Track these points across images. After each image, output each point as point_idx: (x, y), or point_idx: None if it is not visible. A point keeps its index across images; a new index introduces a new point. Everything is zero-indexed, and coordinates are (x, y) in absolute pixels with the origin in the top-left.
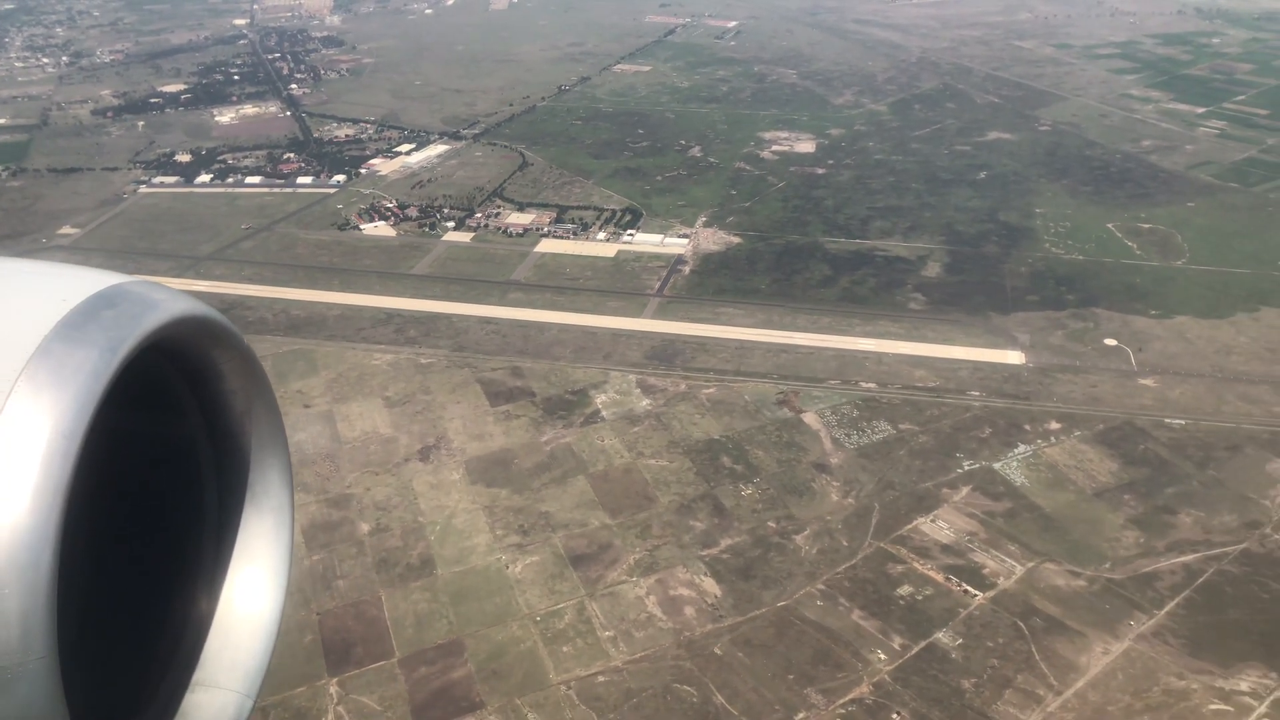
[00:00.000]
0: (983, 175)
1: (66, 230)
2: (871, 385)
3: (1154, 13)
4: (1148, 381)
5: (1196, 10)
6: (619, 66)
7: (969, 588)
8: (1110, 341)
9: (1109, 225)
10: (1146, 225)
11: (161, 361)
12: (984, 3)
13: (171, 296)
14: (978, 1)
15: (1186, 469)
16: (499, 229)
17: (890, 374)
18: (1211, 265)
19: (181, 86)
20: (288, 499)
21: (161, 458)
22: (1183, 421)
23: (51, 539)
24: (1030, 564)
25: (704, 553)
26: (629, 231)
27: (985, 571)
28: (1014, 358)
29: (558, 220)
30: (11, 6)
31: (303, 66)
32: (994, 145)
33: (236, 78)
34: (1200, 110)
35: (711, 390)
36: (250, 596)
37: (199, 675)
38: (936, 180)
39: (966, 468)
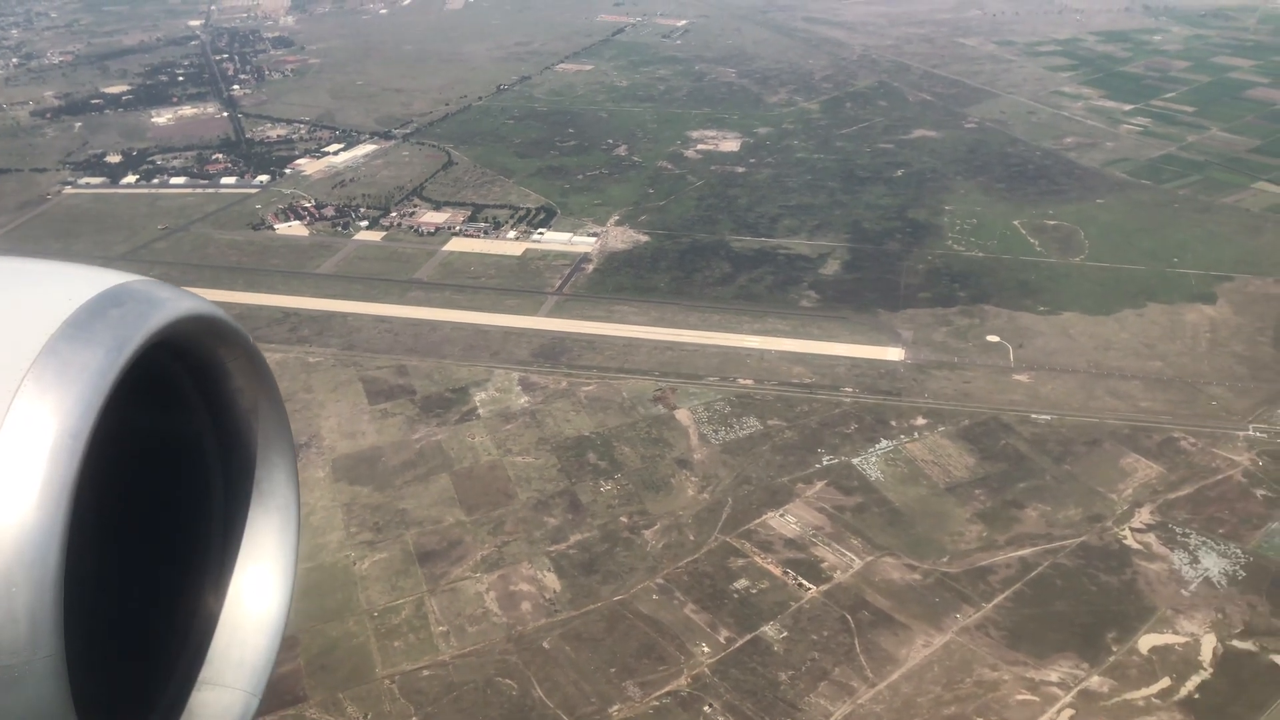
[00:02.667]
0: (900, 173)
1: None
2: (749, 382)
3: (1102, 10)
4: (1022, 377)
5: (1144, 7)
6: (561, 66)
7: (804, 581)
8: (992, 338)
9: (1015, 222)
10: (1052, 222)
11: (168, 360)
12: (936, 0)
13: (177, 295)
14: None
15: (1043, 463)
16: (411, 228)
17: (769, 370)
18: (1108, 262)
19: (125, 88)
20: (294, 497)
21: (168, 455)
22: (1048, 417)
23: (58, 537)
24: (870, 558)
25: (552, 548)
26: (539, 230)
27: (824, 565)
28: (893, 354)
29: (471, 219)
30: None
31: (248, 67)
32: (917, 143)
33: (181, 78)
34: (1127, 107)
35: (591, 387)
36: (257, 595)
37: (205, 673)
38: (853, 178)
39: (825, 463)
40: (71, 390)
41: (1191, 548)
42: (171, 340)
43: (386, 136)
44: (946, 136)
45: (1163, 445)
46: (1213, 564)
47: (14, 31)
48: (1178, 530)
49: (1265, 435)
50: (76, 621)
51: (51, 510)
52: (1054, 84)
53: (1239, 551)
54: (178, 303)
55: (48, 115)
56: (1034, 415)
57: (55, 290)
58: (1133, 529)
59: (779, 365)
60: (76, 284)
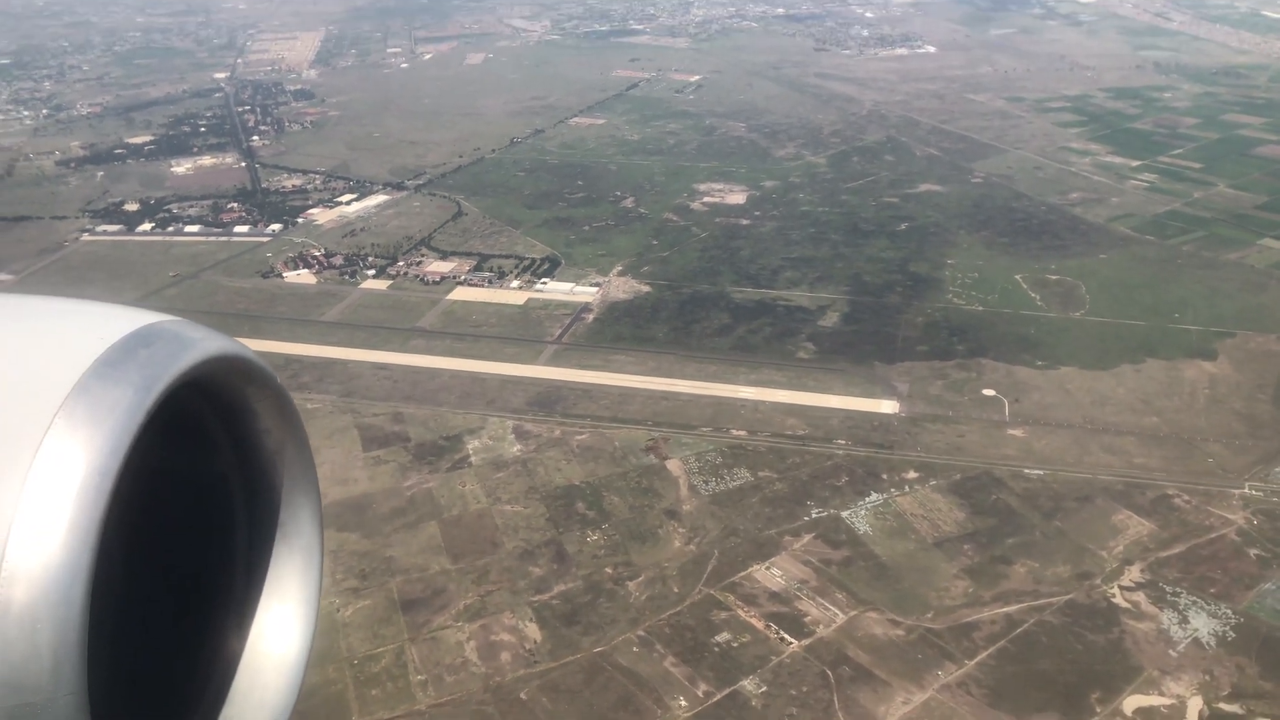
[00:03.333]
0: (904, 227)
1: (1, 277)
2: (742, 433)
3: (1113, 68)
4: (1016, 432)
5: (1155, 65)
6: (575, 120)
7: (786, 635)
8: (988, 392)
9: (1016, 276)
10: (1054, 277)
11: (195, 399)
12: (948, 57)
13: (207, 335)
14: (942, 56)
15: (1033, 519)
16: (417, 277)
17: (762, 421)
18: (1109, 317)
19: (148, 138)
20: (317, 538)
21: (193, 494)
22: (1041, 472)
23: (84, 575)
24: (853, 613)
25: (535, 598)
26: (542, 280)
27: (807, 620)
28: (888, 407)
29: (476, 269)
30: (6, 62)
31: (269, 119)
32: (922, 197)
33: (203, 129)
34: (1135, 163)
35: (585, 436)
36: (279, 635)
37: (227, 713)
38: (856, 231)
39: (814, 515)
40: (102, 428)
41: (1181, 607)
42: (200, 380)
43: (399, 187)
44: (952, 191)
45: (1156, 502)
46: (1202, 624)
47: (47, 84)
48: (1168, 589)
49: (1261, 494)
50: (99, 660)
51: (78, 548)
52: (1062, 140)
53: (1229, 612)
54: (207, 343)
55: (72, 164)
56: (1027, 470)
57: (88, 329)
58: (1122, 587)
59: (773, 416)
60: (109, 323)
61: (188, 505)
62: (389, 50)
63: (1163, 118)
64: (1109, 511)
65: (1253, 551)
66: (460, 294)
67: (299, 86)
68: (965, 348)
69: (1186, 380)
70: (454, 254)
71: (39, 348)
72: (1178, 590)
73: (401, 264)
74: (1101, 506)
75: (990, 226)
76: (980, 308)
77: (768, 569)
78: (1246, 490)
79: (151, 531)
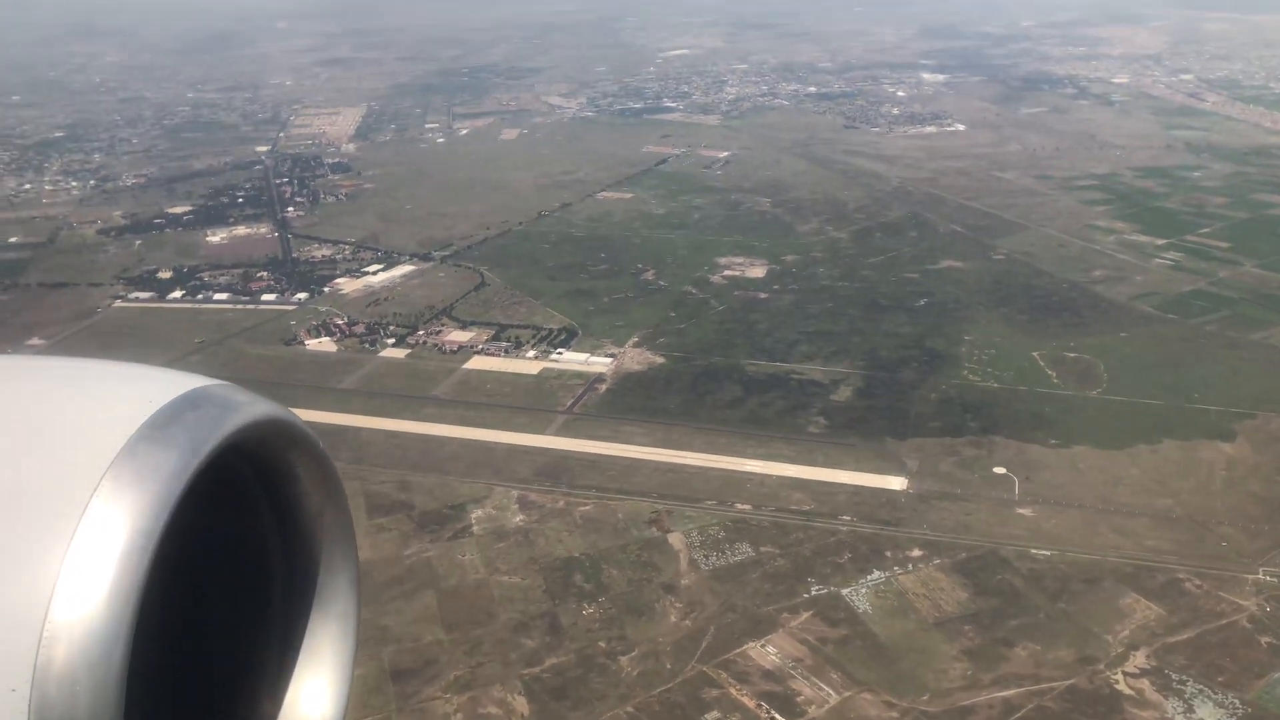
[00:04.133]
0: (923, 302)
1: (34, 341)
2: (746, 507)
3: (1143, 147)
4: (1025, 511)
5: (1186, 145)
6: (603, 194)
7: (777, 716)
8: (999, 470)
9: (1034, 354)
10: (1072, 354)
11: (238, 461)
12: (977, 134)
13: (252, 399)
14: (971, 133)
15: (1038, 601)
16: (435, 346)
17: (768, 496)
18: (1126, 396)
19: (187, 208)
20: (354, 605)
21: (231, 557)
22: (1048, 553)
23: (124, 637)
24: (847, 693)
25: (526, 671)
26: (558, 350)
27: (799, 700)
28: (896, 483)
29: (494, 338)
30: (61, 135)
31: (305, 190)
32: (943, 273)
33: (240, 200)
34: (1160, 242)
35: (588, 508)
36: (313, 703)
37: None
38: (875, 306)
39: (814, 593)
40: (147, 491)
41: (1187, 695)
42: (244, 443)
43: (426, 258)
44: (973, 267)
45: (1166, 586)
46: (1208, 713)
47: (96, 156)
48: (1174, 676)
49: (1275, 579)
50: None
51: (119, 610)
52: (1088, 218)
53: (1237, 701)
54: (253, 407)
55: (112, 233)
56: (1034, 550)
57: (136, 392)
58: (1126, 673)
59: (779, 491)
60: (157, 387)
61: (226, 568)
62: (427, 125)
63: (1191, 196)
64: (1117, 595)
65: (1264, 639)
66: (476, 363)
67: (337, 160)
68: (978, 425)
69: (1203, 461)
70: (473, 324)
71: (90, 410)
72: (1184, 678)
73: (421, 333)
74: (1109, 589)
75: (1010, 303)
76: (995, 385)
77: (763, 646)
78: (1260, 576)
79: (190, 594)
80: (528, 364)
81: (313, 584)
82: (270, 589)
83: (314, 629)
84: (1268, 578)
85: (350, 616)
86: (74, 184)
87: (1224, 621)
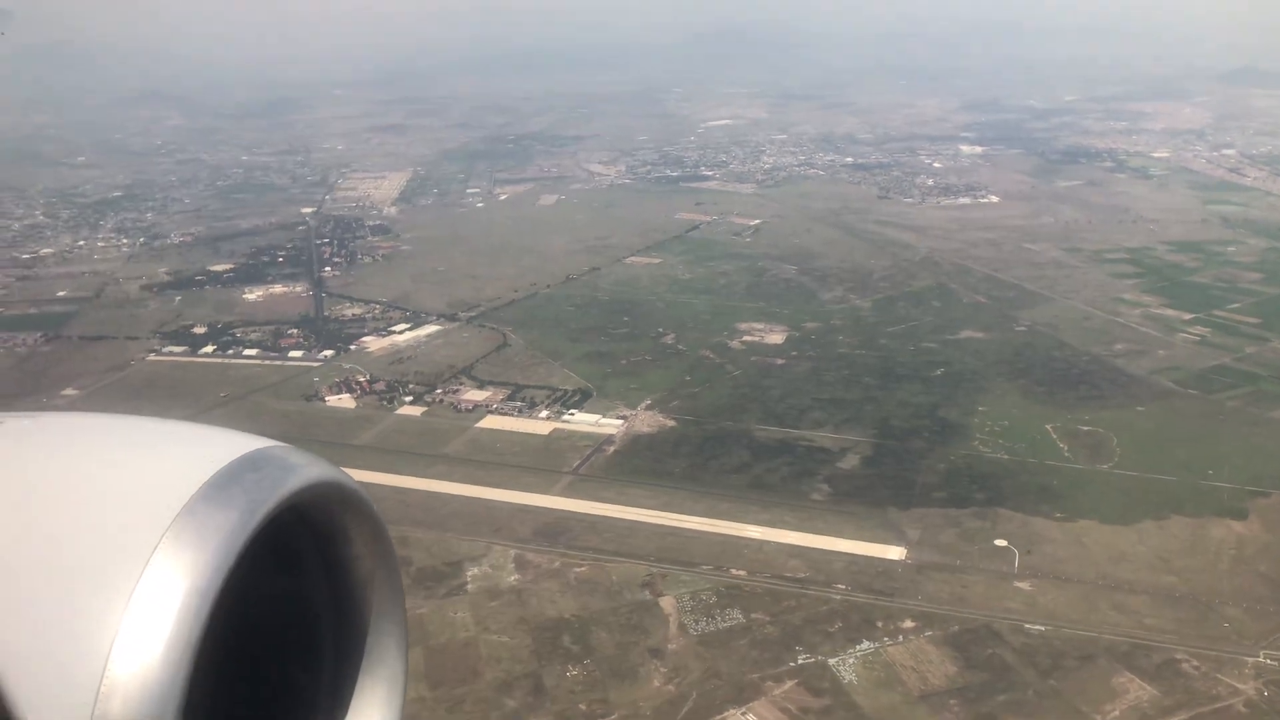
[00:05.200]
0: (939, 372)
1: (68, 392)
2: (741, 572)
3: (1178, 221)
4: (1023, 584)
5: (1223, 220)
6: (631, 259)
7: None
8: (1000, 542)
9: (1047, 426)
10: (1086, 428)
11: (293, 522)
12: (1010, 206)
13: (310, 461)
14: (1004, 205)
15: (1028, 677)
16: (451, 404)
17: (765, 562)
18: (1138, 470)
19: (229, 266)
20: (402, 669)
21: (283, 616)
22: (1043, 628)
23: (178, 694)
24: None
25: None
26: (570, 411)
27: None
28: (894, 553)
29: (509, 398)
30: (119, 194)
31: (344, 251)
32: (963, 343)
33: (280, 259)
34: (1187, 316)
35: (584, 569)
36: None
37: None
38: (891, 375)
39: (800, 661)
40: (205, 550)
41: None
42: (300, 505)
43: (452, 319)
44: (994, 338)
45: (1162, 666)
46: None
47: (149, 214)
48: None
49: (1277, 663)
50: None
51: (175, 666)
52: (1115, 291)
53: None
54: (310, 469)
55: (155, 289)
56: (1028, 625)
57: (198, 453)
58: None
59: (776, 557)
60: (217, 448)
61: (278, 627)
62: (468, 190)
63: (1223, 271)
64: (1110, 673)
65: None
66: (489, 422)
67: (378, 222)
68: (983, 496)
69: (1212, 539)
70: (491, 383)
71: (152, 468)
72: None
73: (439, 391)
74: (1103, 667)
75: (1028, 375)
76: (1005, 456)
77: (743, 714)
78: (1261, 658)
79: (242, 653)
80: (539, 424)
81: (361, 646)
82: (321, 649)
83: (362, 691)
84: (1269, 661)
85: (398, 680)
86: (124, 241)
87: (1219, 705)
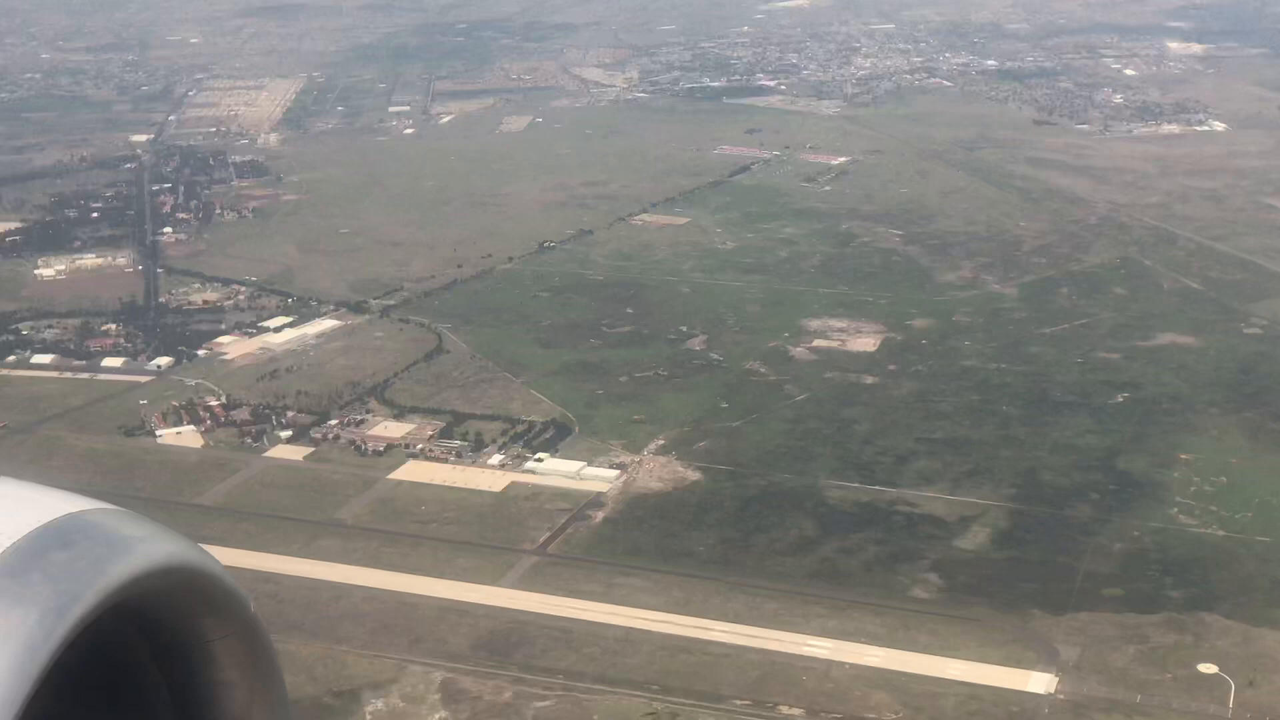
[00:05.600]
0: (1121, 399)
1: None
2: (796, 711)
3: None
4: None
5: None
6: (642, 217)
7: None
8: (1207, 668)
9: None
10: None
11: (127, 630)
12: (1244, 139)
13: (151, 534)
14: (1234, 136)
15: None
16: (352, 443)
17: (834, 695)
18: None
19: (15, 225)
20: None
21: None
22: None
23: None
24: None
25: None
26: (538, 456)
27: None
28: (1039, 683)
29: (443, 434)
30: None
31: (194, 203)
32: (1160, 354)
33: (95, 215)
34: None
35: (549, 704)
36: None
37: None
38: (1044, 403)
39: None
40: None
41: None
42: (135, 603)
43: (359, 309)
44: (1209, 346)
45: None
46: None
47: None
48: None
49: None
50: None
51: None
52: None
53: None
54: (150, 547)
55: None
56: None
57: None
58: None
59: (851, 688)
60: (13, 511)
61: None
62: (393, 108)
63: None
64: None
65: None
66: (410, 471)
67: (249, 157)
68: (1183, 595)
69: None
70: (416, 411)
71: None
72: None
73: (334, 423)
74: None
75: (1260, 404)
76: (1220, 532)
77: None
78: None
79: None
80: (488, 475)
81: None
82: None
83: None
84: None
85: None
86: None
87: None
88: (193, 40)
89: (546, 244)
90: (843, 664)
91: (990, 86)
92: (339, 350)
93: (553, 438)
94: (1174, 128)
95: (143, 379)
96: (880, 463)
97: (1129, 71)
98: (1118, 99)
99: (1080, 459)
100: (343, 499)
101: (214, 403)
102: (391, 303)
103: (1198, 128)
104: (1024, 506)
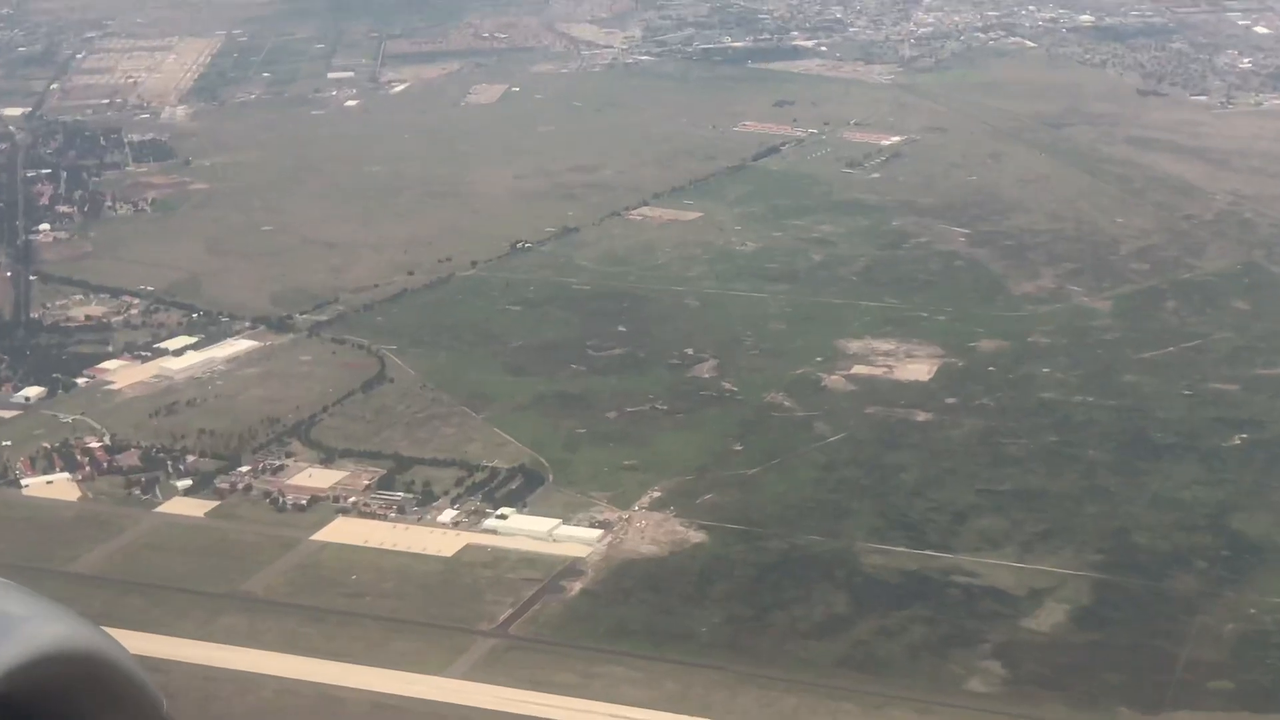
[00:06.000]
0: (1238, 441)
1: None
2: None
3: None
4: None
5: None
6: (642, 210)
7: None
8: None
9: None
10: None
11: None
12: None
13: (43, 614)
14: None
15: None
16: (267, 495)
17: None
18: None
19: None
20: None
21: None
22: None
23: None
24: None
25: None
26: (501, 511)
27: None
28: None
29: (382, 484)
30: None
31: (78, 192)
32: None
33: None
34: None
35: None
36: None
37: None
38: (1141, 445)
39: None
40: None
41: None
42: (21, 694)
43: (281, 327)
44: None
45: None
46: None
47: None
48: None
49: None
50: None
51: None
52: None
53: None
54: (39, 629)
55: None
56: None
57: None
58: None
59: None
60: None
61: None
62: (332, 74)
63: None
64: None
65: None
66: (339, 530)
67: (150, 136)
68: None
69: None
70: (349, 455)
71: None
72: None
73: (246, 470)
74: None
75: None
76: None
77: None
78: None
79: None
80: (438, 536)
81: None
82: None
83: None
84: None
85: None
86: None
87: None
88: None
89: (520, 245)
90: None
91: (1084, 48)
92: (255, 378)
93: (520, 489)
94: None
95: (6, 414)
96: (932, 521)
97: (1260, 29)
98: (1245, 64)
99: (1183, 517)
100: (253, 566)
101: (95, 444)
102: (323, 318)
103: None
104: (1112, 577)
